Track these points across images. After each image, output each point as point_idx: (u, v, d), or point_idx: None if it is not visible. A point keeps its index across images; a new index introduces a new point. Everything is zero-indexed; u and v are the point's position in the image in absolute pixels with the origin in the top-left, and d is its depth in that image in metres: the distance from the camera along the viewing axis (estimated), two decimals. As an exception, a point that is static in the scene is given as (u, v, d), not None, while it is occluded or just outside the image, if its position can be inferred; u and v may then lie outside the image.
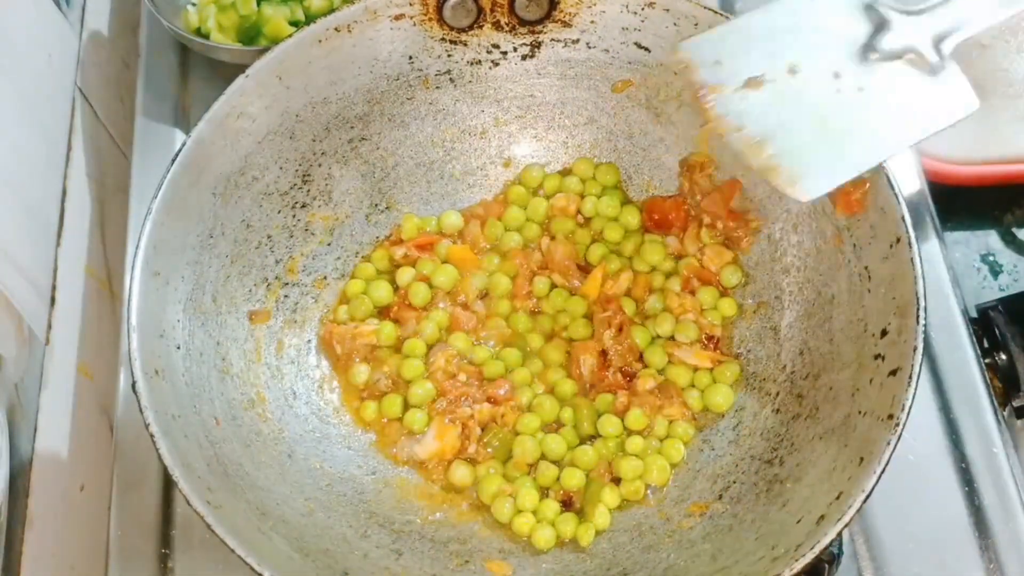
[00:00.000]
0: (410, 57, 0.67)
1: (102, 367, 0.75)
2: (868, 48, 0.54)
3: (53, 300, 0.71)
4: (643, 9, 0.64)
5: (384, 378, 0.66)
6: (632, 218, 0.69)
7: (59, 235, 0.73)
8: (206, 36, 0.80)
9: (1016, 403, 0.68)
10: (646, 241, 0.69)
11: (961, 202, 0.82)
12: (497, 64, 0.69)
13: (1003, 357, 0.68)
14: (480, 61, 0.69)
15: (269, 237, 0.66)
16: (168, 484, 0.65)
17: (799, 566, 0.49)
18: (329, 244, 0.69)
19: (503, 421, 0.64)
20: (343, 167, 0.69)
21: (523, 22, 0.67)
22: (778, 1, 0.57)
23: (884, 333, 0.55)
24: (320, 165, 0.68)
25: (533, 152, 0.72)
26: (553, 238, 0.70)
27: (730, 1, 0.85)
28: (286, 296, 0.67)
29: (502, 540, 0.61)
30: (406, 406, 0.65)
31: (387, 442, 0.64)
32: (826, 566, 0.59)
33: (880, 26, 0.54)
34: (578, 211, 0.71)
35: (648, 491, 0.62)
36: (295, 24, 0.80)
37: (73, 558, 0.67)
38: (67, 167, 0.76)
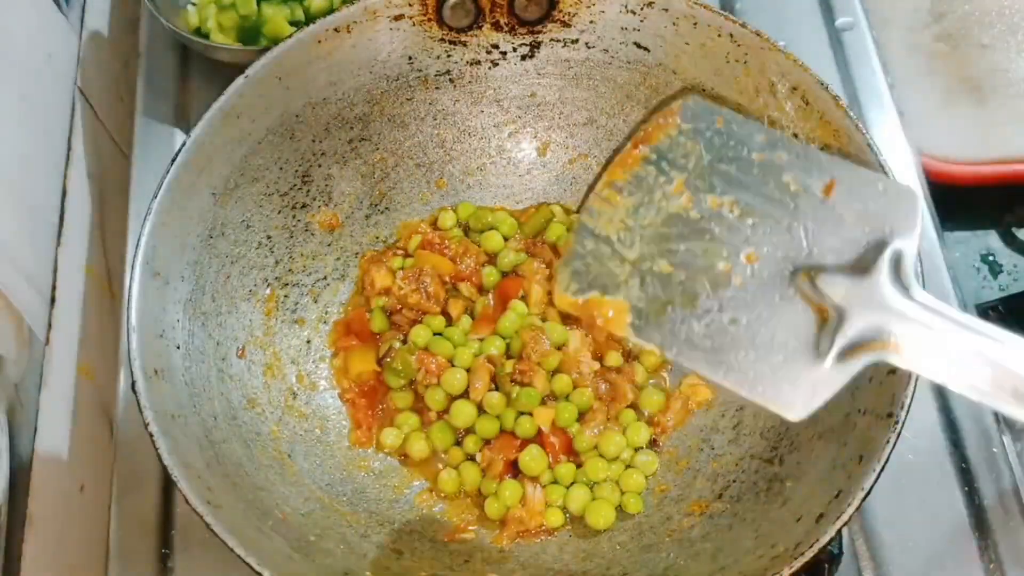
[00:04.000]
0: (410, 57, 0.67)
1: (102, 367, 0.74)
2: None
3: (53, 300, 0.70)
4: (642, 9, 0.64)
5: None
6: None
7: (59, 235, 0.73)
8: (206, 36, 0.80)
9: (1016, 403, 0.68)
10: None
11: (961, 202, 0.82)
12: (497, 64, 0.69)
13: (1003, 357, 0.68)
14: (479, 61, 0.69)
15: (269, 237, 0.66)
16: (168, 484, 0.65)
17: (799, 564, 0.49)
18: (329, 244, 0.69)
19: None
20: (343, 167, 0.69)
21: (522, 22, 0.67)
22: None
23: (884, 332, 0.55)
24: (320, 165, 0.68)
25: (533, 152, 0.72)
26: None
27: (730, 1, 0.85)
28: (286, 296, 0.67)
29: (502, 539, 0.61)
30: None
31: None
32: (826, 565, 0.59)
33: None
34: None
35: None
36: (295, 24, 0.80)
37: (73, 558, 0.67)
38: (67, 167, 0.76)
